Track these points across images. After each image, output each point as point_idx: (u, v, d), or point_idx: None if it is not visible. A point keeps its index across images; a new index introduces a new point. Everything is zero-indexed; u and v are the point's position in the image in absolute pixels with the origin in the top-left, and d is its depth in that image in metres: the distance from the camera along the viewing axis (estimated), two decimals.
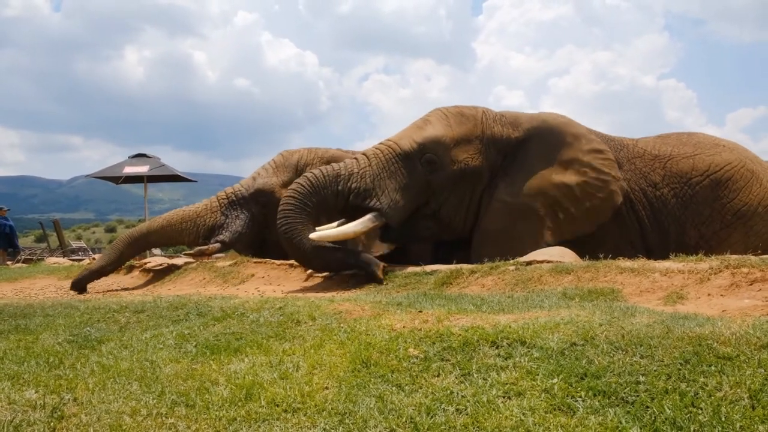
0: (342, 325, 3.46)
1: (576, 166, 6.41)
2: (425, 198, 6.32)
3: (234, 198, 7.73)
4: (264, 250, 7.63)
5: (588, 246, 5.81)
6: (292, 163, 7.96)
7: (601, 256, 5.11)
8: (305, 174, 6.21)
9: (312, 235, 5.96)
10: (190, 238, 7.63)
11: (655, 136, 7.24)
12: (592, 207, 6.33)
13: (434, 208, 6.35)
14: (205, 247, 7.42)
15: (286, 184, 7.53)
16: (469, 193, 6.40)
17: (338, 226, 6.18)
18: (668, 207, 6.56)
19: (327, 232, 6.08)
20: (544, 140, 6.50)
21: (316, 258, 5.97)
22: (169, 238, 7.84)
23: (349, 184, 6.05)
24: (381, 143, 6.43)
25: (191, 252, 7.68)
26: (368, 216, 6.01)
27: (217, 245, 7.45)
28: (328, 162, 7.39)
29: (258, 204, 7.68)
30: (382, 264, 5.80)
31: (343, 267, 6.04)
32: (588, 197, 6.33)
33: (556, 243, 6.14)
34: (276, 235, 7.61)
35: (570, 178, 6.37)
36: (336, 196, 6.05)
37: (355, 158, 6.29)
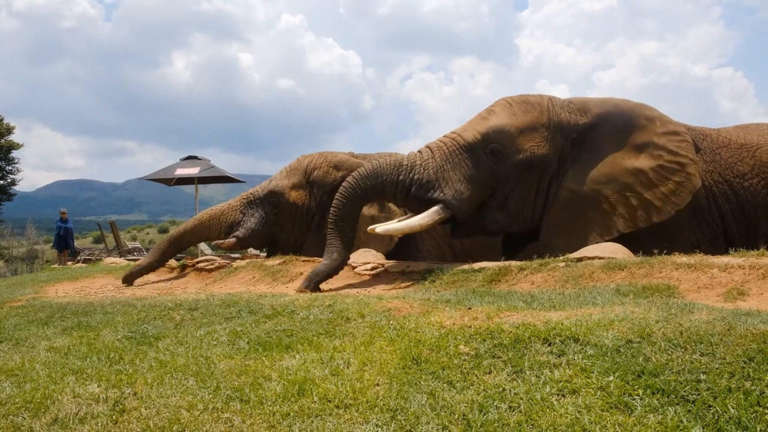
0: (391, 322, 3.47)
1: (650, 149, 6.05)
2: (491, 189, 6.12)
3: (252, 198, 8.39)
4: (276, 247, 8.24)
5: (662, 242, 5.41)
6: (302, 167, 8.36)
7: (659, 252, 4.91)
8: (369, 162, 6.27)
9: (378, 229, 6.04)
10: (216, 233, 8.41)
11: (733, 126, 6.83)
12: (669, 191, 5.89)
13: (501, 199, 6.15)
14: (222, 241, 8.25)
15: (295, 186, 8.15)
16: (536, 182, 6.16)
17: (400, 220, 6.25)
18: (758, 199, 6.15)
19: (393, 225, 6.12)
20: (615, 124, 6.18)
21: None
22: (201, 235, 8.71)
23: (411, 175, 5.99)
24: (445, 136, 6.32)
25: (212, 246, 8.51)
26: (434, 208, 5.92)
27: (233, 240, 8.17)
28: (336, 166, 8.04)
29: (270, 204, 8.22)
30: (308, 289, 5.69)
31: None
32: (663, 181, 5.92)
33: (630, 231, 5.85)
34: (286, 234, 8.16)
35: (643, 162, 6.01)
36: (395, 185, 6.00)
37: (419, 151, 6.22)
